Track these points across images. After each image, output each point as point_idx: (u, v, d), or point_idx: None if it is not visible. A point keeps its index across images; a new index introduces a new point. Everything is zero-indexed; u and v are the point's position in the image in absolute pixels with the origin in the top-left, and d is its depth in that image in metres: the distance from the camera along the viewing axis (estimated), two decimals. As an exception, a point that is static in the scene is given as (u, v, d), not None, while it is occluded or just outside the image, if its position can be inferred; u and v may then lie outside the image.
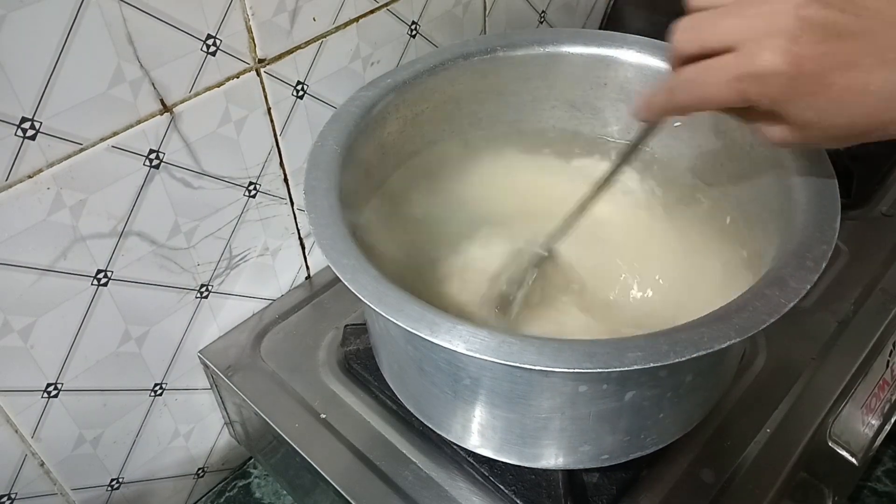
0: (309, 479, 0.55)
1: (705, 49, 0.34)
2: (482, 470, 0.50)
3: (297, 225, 0.64)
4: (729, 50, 0.33)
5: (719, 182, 0.54)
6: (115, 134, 0.47)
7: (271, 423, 0.55)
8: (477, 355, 0.35)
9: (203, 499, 0.68)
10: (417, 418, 0.50)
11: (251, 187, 0.57)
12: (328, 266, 0.40)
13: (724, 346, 0.35)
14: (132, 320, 0.54)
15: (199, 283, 0.57)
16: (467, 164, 0.58)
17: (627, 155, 0.45)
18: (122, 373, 0.55)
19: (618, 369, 0.34)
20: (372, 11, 0.59)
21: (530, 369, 0.35)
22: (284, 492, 0.66)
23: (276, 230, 0.62)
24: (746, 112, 0.35)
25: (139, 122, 0.48)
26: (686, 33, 0.35)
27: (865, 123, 0.33)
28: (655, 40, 0.55)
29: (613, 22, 0.87)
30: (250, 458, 0.69)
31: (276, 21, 0.52)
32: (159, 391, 0.59)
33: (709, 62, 0.34)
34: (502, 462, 0.48)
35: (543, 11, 0.78)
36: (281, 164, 0.59)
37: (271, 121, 0.56)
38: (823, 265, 0.38)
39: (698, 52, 0.35)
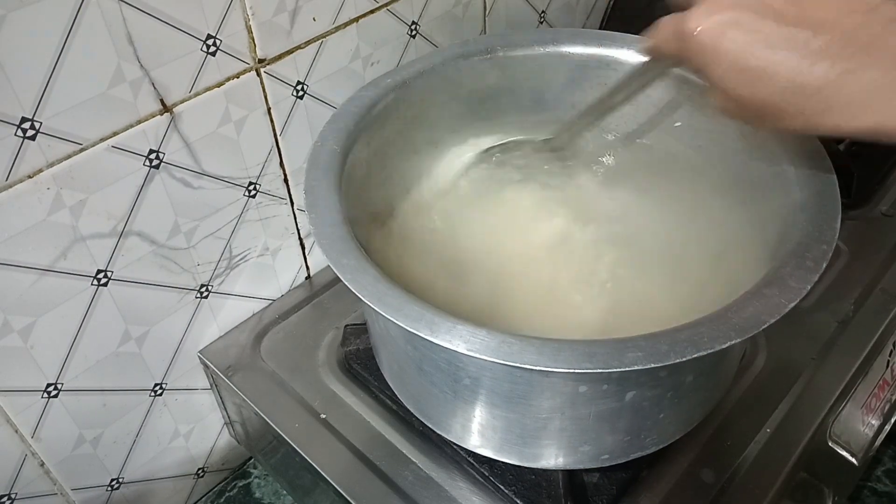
0: (309, 479, 0.55)
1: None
2: (482, 470, 0.50)
3: (297, 225, 0.64)
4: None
5: (719, 182, 0.54)
6: (115, 134, 0.47)
7: (271, 423, 0.55)
8: (477, 355, 0.35)
9: (203, 499, 0.68)
10: (417, 418, 0.50)
11: (251, 187, 0.57)
12: (328, 266, 0.40)
13: (724, 346, 0.35)
14: (132, 320, 0.54)
15: (199, 283, 0.57)
16: (467, 163, 0.58)
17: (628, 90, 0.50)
18: (122, 373, 0.55)
19: (618, 369, 0.34)
20: (372, 11, 0.59)
21: (530, 369, 0.35)
22: (284, 492, 0.66)
23: (276, 230, 0.62)
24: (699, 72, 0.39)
25: (139, 122, 0.48)
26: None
27: (775, 105, 0.35)
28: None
29: (613, 22, 0.87)
30: (250, 458, 0.69)
31: (276, 21, 0.52)
32: (159, 391, 0.59)
33: (667, 17, 0.40)
34: (502, 462, 0.48)
35: (543, 11, 0.78)
36: (281, 164, 0.59)
37: (271, 121, 0.56)
38: (824, 265, 0.38)
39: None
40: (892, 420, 0.63)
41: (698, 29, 0.37)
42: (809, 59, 0.34)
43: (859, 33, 0.33)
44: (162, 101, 0.48)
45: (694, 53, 0.37)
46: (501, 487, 0.49)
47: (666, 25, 0.40)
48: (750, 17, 0.35)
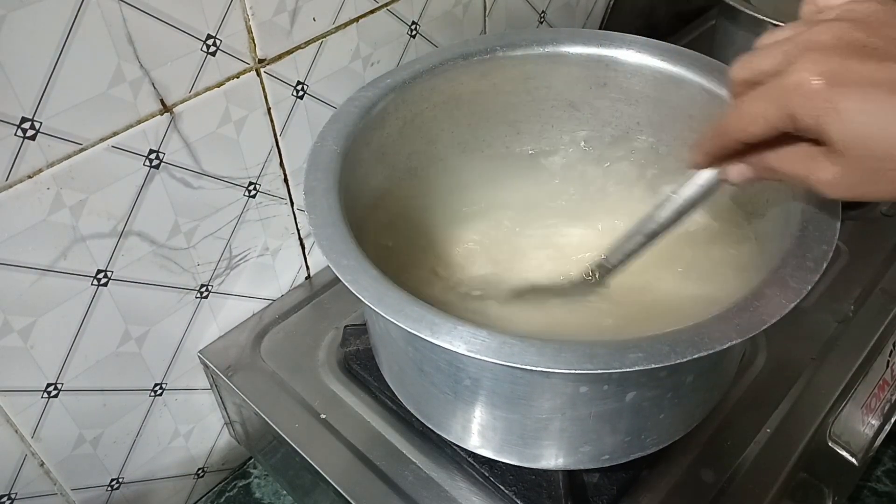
0: (309, 479, 0.55)
1: (756, 74, 0.34)
2: (482, 470, 0.50)
3: (297, 225, 0.63)
4: (778, 73, 0.33)
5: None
6: (115, 134, 0.47)
7: (271, 423, 0.55)
8: (478, 356, 0.35)
9: (203, 499, 0.68)
10: (417, 419, 0.50)
11: (251, 187, 0.57)
12: (328, 266, 0.40)
13: (724, 346, 0.35)
14: (132, 320, 0.54)
15: (199, 283, 0.57)
16: (466, 163, 0.58)
17: (678, 216, 0.43)
18: (122, 373, 0.55)
19: (619, 370, 0.34)
20: (372, 11, 0.59)
21: (531, 370, 0.35)
22: (284, 492, 0.66)
23: (276, 230, 0.62)
24: (794, 158, 0.35)
25: (139, 122, 0.48)
26: (741, 62, 0.36)
27: None
28: (655, 40, 0.55)
29: (613, 22, 0.87)
30: (250, 458, 0.69)
31: (276, 21, 0.52)
32: (159, 391, 0.59)
33: (759, 87, 0.34)
34: (502, 462, 0.48)
35: (543, 11, 0.78)
36: (281, 164, 0.59)
37: (271, 121, 0.56)
38: (824, 265, 0.38)
39: (751, 78, 0.35)
40: (892, 420, 0.63)
41: (812, 81, 0.31)
42: None
43: None
44: (162, 101, 0.48)
45: (808, 112, 0.32)
46: (502, 488, 0.49)
47: (767, 86, 0.34)
48: (856, 61, 0.31)
